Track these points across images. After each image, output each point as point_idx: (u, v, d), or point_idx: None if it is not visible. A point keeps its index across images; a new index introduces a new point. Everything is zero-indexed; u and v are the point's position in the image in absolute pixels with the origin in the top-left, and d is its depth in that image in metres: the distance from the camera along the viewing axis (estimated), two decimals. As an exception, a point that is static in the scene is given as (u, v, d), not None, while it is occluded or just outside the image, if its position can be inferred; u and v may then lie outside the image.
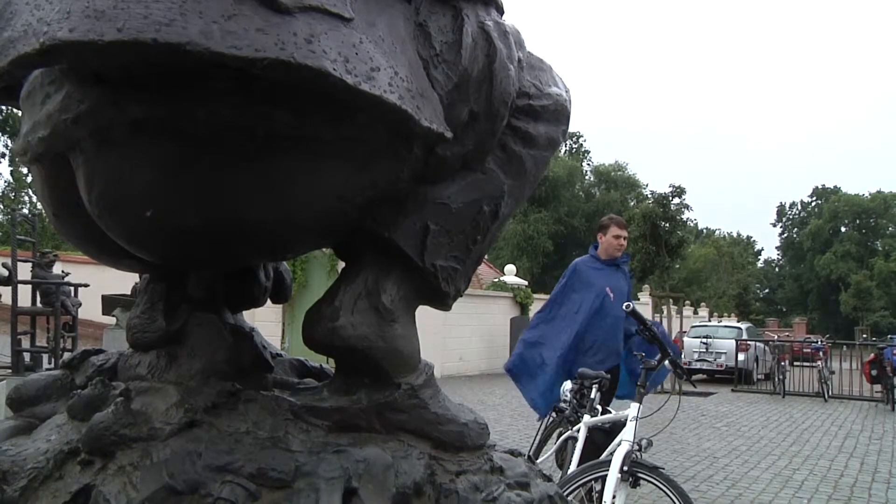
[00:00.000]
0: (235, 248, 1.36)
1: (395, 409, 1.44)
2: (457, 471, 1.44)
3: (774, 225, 77.54)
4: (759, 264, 72.26)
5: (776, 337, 25.83)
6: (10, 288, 7.86)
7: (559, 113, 1.62)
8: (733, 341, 19.11)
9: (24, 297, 8.09)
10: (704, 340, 20.01)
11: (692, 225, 50.90)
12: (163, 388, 1.40)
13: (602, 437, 4.61)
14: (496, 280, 21.30)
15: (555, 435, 5.27)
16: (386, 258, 1.45)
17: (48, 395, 1.59)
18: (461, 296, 1.56)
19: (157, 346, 1.51)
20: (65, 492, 1.26)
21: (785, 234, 75.90)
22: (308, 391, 1.49)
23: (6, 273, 7.92)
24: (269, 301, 1.74)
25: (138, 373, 1.49)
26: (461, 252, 1.50)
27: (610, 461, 3.77)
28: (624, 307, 4.11)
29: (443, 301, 1.54)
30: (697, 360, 19.74)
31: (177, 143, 1.18)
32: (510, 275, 21.78)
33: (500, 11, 1.59)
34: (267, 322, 11.38)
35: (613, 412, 4.80)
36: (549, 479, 1.68)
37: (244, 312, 1.72)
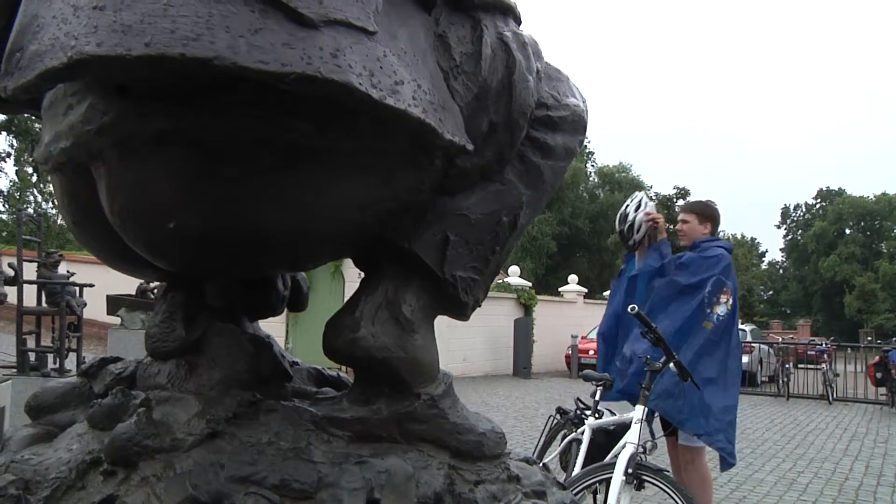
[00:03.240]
0: (257, 259, 1.37)
1: (415, 420, 1.45)
2: (475, 480, 1.45)
3: (779, 227, 77.43)
4: (764, 266, 72.00)
5: (780, 339, 25.80)
6: (15, 287, 7.87)
7: (576, 123, 1.63)
8: (737, 343, 19.03)
9: (30, 296, 8.08)
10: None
11: (696, 226, 50.67)
12: (183, 397, 1.40)
13: (606, 439, 4.61)
14: (500, 281, 21.23)
15: (559, 437, 5.28)
16: (406, 269, 1.46)
17: (66, 402, 1.59)
18: (479, 306, 1.57)
19: (176, 355, 1.52)
20: (88, 502, 1.26)
21: (789, 236, 75.74)
22: (328, 401, 1.50)
23: (12, 273, 7.92)
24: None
25: (158, 382, 1.49)
26: (480, 262, 1.51)
27: (614, 463, 3.78)
28: (629, 309, 4.09)
29: (462, 311, 1.54)
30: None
31: (200, 154, 1.19)
32: (514, 276, 21.75)
33: (518, 22, 1.59)
34: (270, 323, 11.35)
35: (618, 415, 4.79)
36: (563, 487, 1.68)
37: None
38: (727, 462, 4.39)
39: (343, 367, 1.58)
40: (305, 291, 1.77)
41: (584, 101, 1.68)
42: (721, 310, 4.47)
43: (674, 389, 4.22)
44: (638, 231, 4.70)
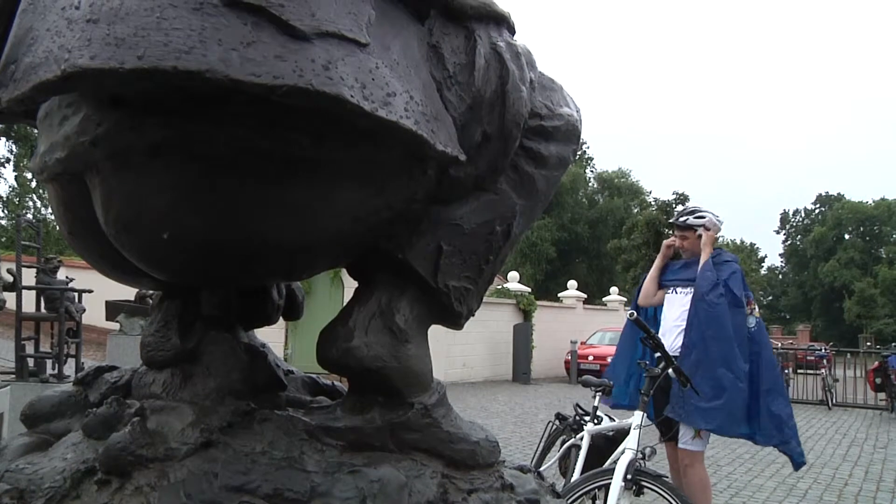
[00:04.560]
0: (251, 269, 1.38)
1: (409, 429, 1.45)
2: (469, 489, 1.45)
3: (778, 232, 77.40)
4: (763, 272, 71.75)
5: (780, 344, 25.76)
6: (14, 293, 7.88)
7: (570, 133, 1.63)
8: (737, 349, 19.00)
9: (29, 302, 8.08)
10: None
11: (696, 232, 50.76)
12: (178, 407, 1.41)
13: (605, 444, 4.62)
14: (499, 287, 21.28)
15: (558, 442, 5.29)
16: (399, 278, 1.46)
17: (62, 411, 1.59)
18: (473, 315, 1.57)
19: (171, 364, 1.52)
20: (82, 512, 1.26)
21: (788, 242, 75.72)
22: (322, 410, 1.50)
23: (11, 279, 7.92)
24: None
25: (153, 391, 1.50)
26: (474, 272, 1.51)
27: (613, 469, 3.79)
28: (628, 315, 4.10)
29: (455, 321, 1.55)
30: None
31: (195, 165, 1.20)
32: (513, 281, 21.76)
33: (512, 32, 1.60)
34: (270, 329, 11.31)
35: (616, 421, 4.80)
36: (558, 495, 1.68)
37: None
38: (799, 462, 4.52)
39: (340, 377, 1.58)
40: (300, 300, 1.77)
41: (577, 111, 1.68)
42: (751, 321, 4.52)
43: (738, 412, 4.30)
44: (699, 218, 4.73)
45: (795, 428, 4.47)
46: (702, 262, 4.56)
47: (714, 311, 4.36)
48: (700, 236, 4.69)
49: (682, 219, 4.86)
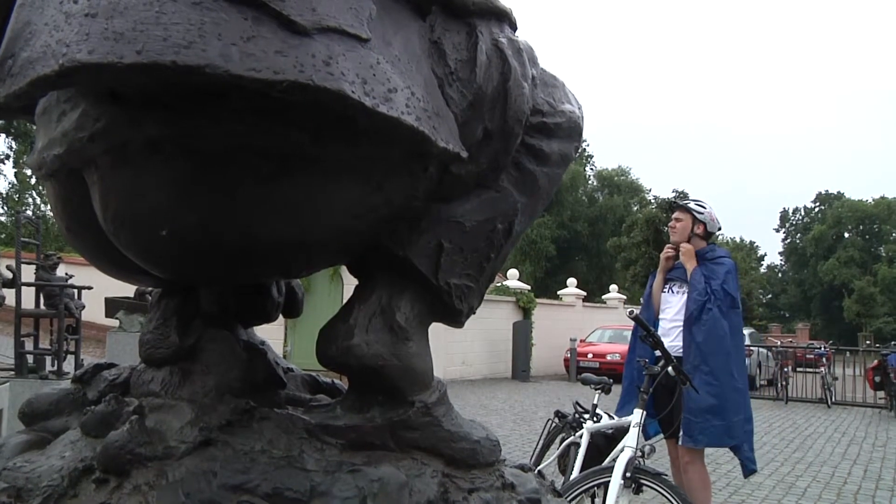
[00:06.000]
0: (250, 266, 1.37)
1: (409, 427, 1.44)
2: (469, 488, 1.44)
3: (777, 230, 77.49)
4: (762, 270, 71.73)
5: (779, 343, 25.77)
6: (13, 290, 7.88)
7: (572, 130, 1.62)
8: (736, 347, 19.03)
9: (28, 299, 8.08)
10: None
11: (695, 230, 50.82)
12: (176, 405, 1.40)
13: (604, 442, 4.62)
14: (499, 284, 21.25)
15: (557, 440, 5.28)
16: (400, 276, 1.45)
17: (60, 409, 1.58)
18: (474, 313, 1.56)
19: (170, 362, 1.51)
20: (80, 510, 1.25)
21: (788, 240, 75.78)
22: (321, 409, 1.49)
23: (10, 275, 7.92)
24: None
25: (151, 389, 1.49)
26: (475, 270, 1.50)
27: (613, 467, 3.78)
28: (628, 313, 4.10)
29: (456, 319, 1.54)
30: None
31: (193, 161, 1.19)
32: (513, 279, 21.76)
33: (514, 28, 1.59)
34: (269, 326, 11.23)
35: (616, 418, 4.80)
36: (559, 494, 1.68)
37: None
38: (750, 469, 4.61)
39: (339, 374, 1.57)
40: (300, 298, 1.76)
41: (579, 108, 1.67)
42: None
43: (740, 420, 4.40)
44: (700, 206, 4.79)
45: (751, 433, 4.53)
46: (689, 274, 4.59)
47: (712, 331, 4.42)
48: (694, 224, 4.74)
49: (684, 201, 5.00)
